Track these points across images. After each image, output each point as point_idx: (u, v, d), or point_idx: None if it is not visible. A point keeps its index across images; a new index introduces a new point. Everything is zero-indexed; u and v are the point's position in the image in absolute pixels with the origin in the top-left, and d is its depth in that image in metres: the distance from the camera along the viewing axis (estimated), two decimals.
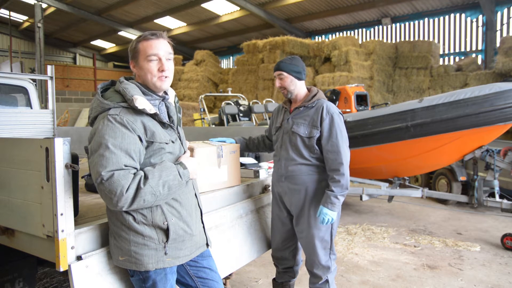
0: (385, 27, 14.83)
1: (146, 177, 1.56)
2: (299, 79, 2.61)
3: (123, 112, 1.62)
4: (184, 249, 1.76)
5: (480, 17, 12.31)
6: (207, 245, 1.94)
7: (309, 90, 2.66)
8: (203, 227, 1.93)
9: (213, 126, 9.30)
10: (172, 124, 1.79)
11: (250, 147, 3.01)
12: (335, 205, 2.43)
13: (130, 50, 1.75)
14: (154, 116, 1.69)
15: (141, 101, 1.63)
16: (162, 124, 1.73)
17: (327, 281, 2.62)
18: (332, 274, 2.65)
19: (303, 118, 2.56)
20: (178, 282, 1.91)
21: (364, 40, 14.83)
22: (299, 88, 2.62)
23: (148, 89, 1.74)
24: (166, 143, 1.72)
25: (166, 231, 1.69)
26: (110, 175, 1.50)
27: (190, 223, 1.78)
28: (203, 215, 1.94)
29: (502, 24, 11.92)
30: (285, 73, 2.58)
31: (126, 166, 1.55)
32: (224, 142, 2.79)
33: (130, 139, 1.59)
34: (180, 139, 1.85)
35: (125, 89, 1.66)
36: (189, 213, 1.79)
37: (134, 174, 1.56)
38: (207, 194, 2.48)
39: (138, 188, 1.53)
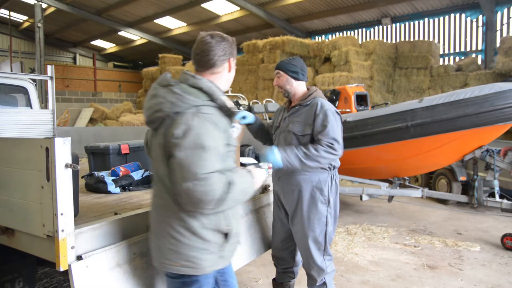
0: (385, 27, 14.82)
1: (232, 183, 1.54)
2: (296, 79, 2.61)
3: (215, 112, 1.61)
4: (232, 250, 1.78)
5: (480, 17, 12.31)
6: None
7: (308, 89, 2.66)
8: None
9: None
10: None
11: (261, 131, 2.87)
12: (289, 161, 2.34)
13: (233, 51, 1.75)
14: (231, 118, 1.69)
15: (231, 104, 1.64)
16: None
17: (324, 283, 2.60)
18: (330, 276, 2.63)
19: (298, 116, 2.56)
20: None
21: (364, 40, 14.81)
22: (295, 88, 2.63)
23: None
24: (234, 146, 1.72)
25: (226, 235, 1.68)
26: (205, 177, 1.48)
27: (238, 225, 1.81)
28: None
29: (502, 24, 11.92)
30: (281, 72, 2.61)
31: (218, 169, 1.53)
32: (245, 117, 2.67)
33: (221, 141, 1.58)
34: None
35: (211, 88, 1.63)
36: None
37: (223, 178, 1.54)
38: None
39: (225, 193, 1.52)
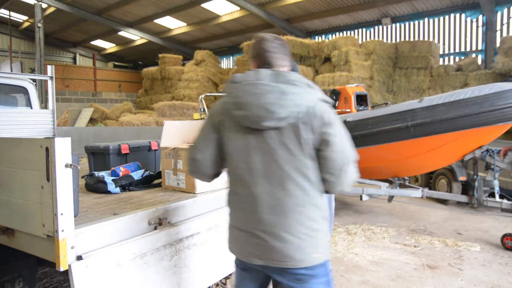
0: (385, 27, 14.83)
1: None
2: None
3: None
4: None
5: (480, 17, 12.31)
6: None
7: None
8: None
9: None
10: None
11: None
12: None
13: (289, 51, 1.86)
14: None
15: None
16: None
17: None
18: None
19: None
20: None
21: (364, 40, 14.81)
22: None
23: None
24: None
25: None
26: (354, 158, 1.69)
27: None
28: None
29: (502, 24, 11.92)
30: None
31: None
32: None
33: None
34: None
35: (310, 82, 1.74)
36: None
37: None
38: (208, 194, 2.48)
39: None
